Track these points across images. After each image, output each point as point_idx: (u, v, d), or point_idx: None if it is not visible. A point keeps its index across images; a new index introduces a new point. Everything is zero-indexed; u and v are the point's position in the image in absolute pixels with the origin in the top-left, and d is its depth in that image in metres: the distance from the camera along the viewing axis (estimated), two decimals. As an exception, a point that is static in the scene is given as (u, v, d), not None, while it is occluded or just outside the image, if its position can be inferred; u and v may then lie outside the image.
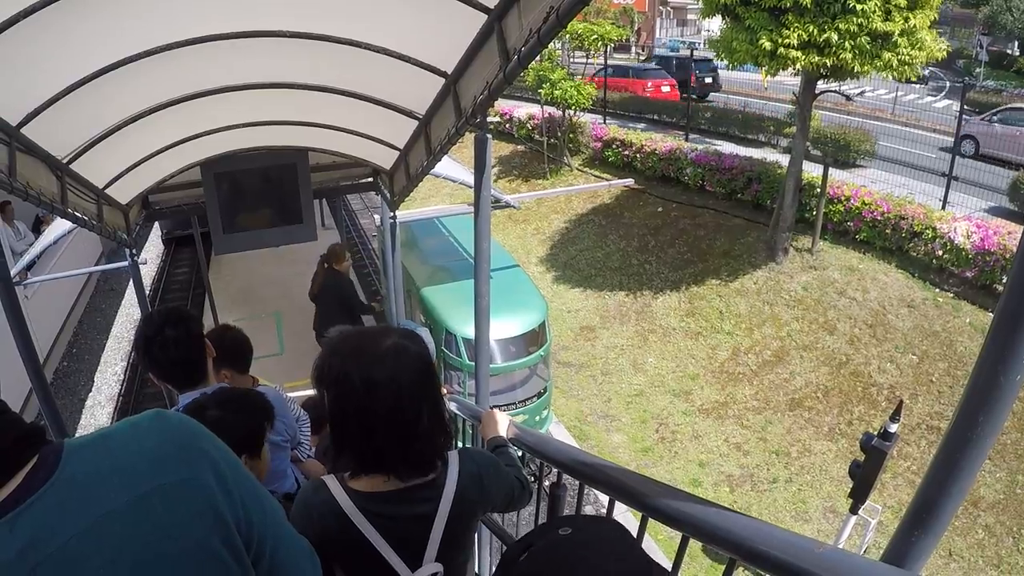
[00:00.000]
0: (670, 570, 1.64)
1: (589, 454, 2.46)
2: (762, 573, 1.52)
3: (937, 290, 12.97)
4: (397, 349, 1.86)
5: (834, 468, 11.11)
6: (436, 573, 1.94)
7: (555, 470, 2.68)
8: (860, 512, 6.86)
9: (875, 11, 11.79)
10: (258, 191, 7.69)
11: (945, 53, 13.17)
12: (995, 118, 19.46)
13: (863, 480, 6.26)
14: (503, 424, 2.74)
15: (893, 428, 6.02)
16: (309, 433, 3.92)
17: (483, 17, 3.21)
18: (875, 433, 6.10)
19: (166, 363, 2.83)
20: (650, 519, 1.88)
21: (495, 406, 10.01)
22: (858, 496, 6.46)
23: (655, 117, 24.80)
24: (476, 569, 4.25)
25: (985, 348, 1.34)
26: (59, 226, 11.59)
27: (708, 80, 28.55)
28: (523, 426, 2.87)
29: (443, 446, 1.96)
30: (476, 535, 4.11)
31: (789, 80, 22.66)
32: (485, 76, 3.38)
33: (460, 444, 4.95)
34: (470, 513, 2.05)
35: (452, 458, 2.04)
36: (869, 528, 7.82)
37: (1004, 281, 12.02)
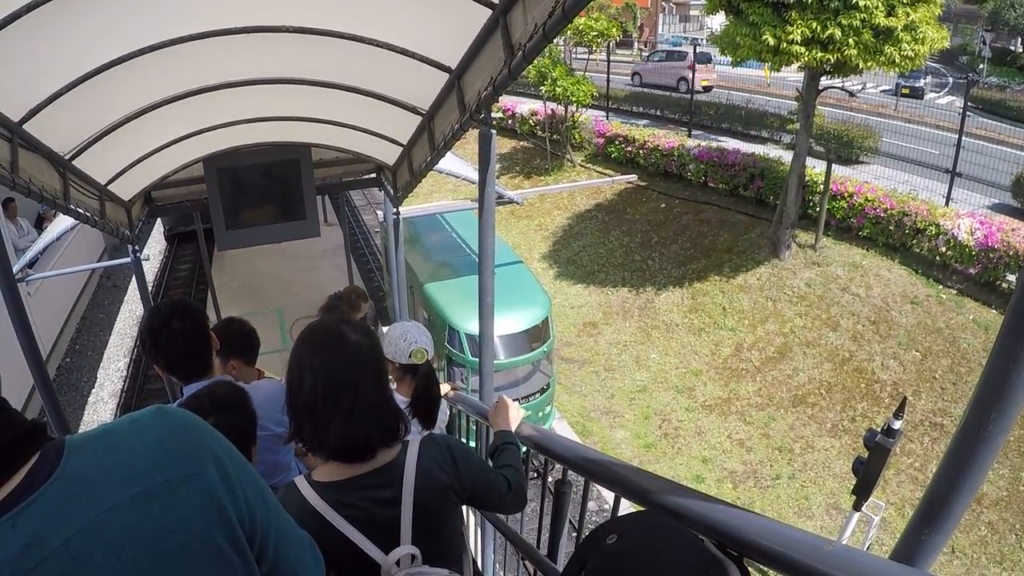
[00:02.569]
0: None
1: (595, 451, 2.45)
2: (767, 570, 1.51)
3: (940, 287, 12.95)
4: (333, 335, 1.96)
5: (837, 464, 11.10)
6: (413, 555, 1.94)
7: (559, 467, 2.67)
8: (863, 509, 6.86)
9: (878, 6, 11.76)
10: (261, 187, 7.66)
11: (946, 42, 13.11)
12: (649, 59, 31.74)
13: (866, 477, 6.24)
14: (515, 415, 2.72)
15: (897, 425, 6.01)
16: None
17: (487, 12, 3.20)
18: (879, 430, 6.10)
19: (173, 354, 2.85)
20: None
21: (498, 402, 9.97)
22: (861, 493, 6.45)
23: (658, 113, 24.77)
24: (480, 566, 4.24)
25: (997, 346, 1.33)
26: (61, 222, 11.58)
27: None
28: (528, 422, 2.86)
29: (381, 430, 1.96)
30: (478, 530, 4.11)
31: (792, 76, 22.59)
32: (489, 71, 3.37)
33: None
34: (441, 496, 2.04)
35: (412, 442, 2.06)
36: (872, 525, 7.82)
37: (1007, 278, 12.00)
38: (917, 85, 26.72)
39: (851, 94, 19.95)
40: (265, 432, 3.14)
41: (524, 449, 2.92)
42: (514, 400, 9.09)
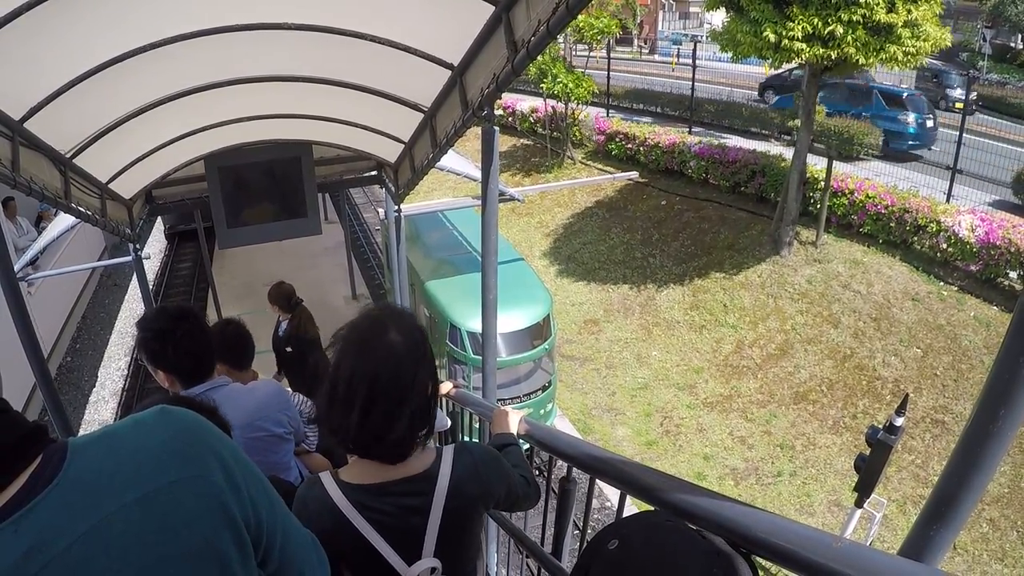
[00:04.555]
0: None
1: (600, 448, 2.45)
2: (765, 564, 1.51)
3: (941, 283, 12.94)
4: (383, 344, 1.88)
5: (838, 461, 11.10)
6: (434, 568, 1.93)
7: (564, 464, 2.66)
8: (865, 506, 6.84)
9: (879, 3, 11.74)
10: (262, 185, 7.66)
11: (948, 42, 13.09)
12: None
13: (868, 474, 6.23)
14: (514, 421, 2.71)
15: (899, 422, 5.99)
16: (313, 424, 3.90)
17: (490, 9, 3.19)
18: (881, 427, 6.08)
19: (182, 356, 2.84)
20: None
21: (499, 400, 9.98)
22: (863, 490, 6.44)
23: (659, 110, 24.72)
24: (485, 564, 4.24)
25: (1006, 343, 1.33)
26: (61, 221, 11.59)
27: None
28: (532, 420, 2.85)
29: (413, 433, 1.92)
30: (484, 532, 4.11)
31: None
32: (492, 68, 3.36)
33: (467, 439, 4.94)
34: (470, 508, 2.03)
35: (447, 451, 2.03)
36: (874, 522, 7.81)
37: (1009, 275, 12.00)
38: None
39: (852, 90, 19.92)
40: (264, 433, 3.14)
41: (527, 447, 2.91)
42: (515, 398, 9.05)
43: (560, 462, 2.70)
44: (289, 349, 8.11)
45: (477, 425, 4.16)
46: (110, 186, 6.10)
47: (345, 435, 1.88)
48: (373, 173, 8.54)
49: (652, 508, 1.80)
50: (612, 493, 9.78)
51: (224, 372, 3.50)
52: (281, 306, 8.13)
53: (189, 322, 2.83)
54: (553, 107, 21.96)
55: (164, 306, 3.00)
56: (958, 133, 15.50)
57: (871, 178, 15.34)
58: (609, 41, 24.82)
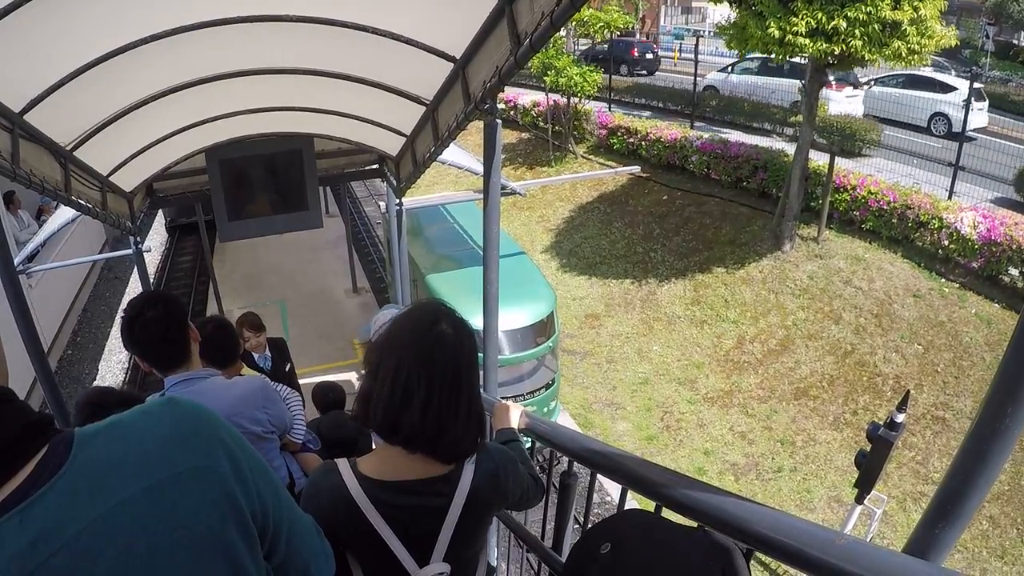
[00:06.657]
0: None
1: (601, 442, 2.43)
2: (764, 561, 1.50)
3: (943, 280, 12.92)
4: (435, 333, 1.83)
5: (839, 457, 11.10)
6: (442, 573, 1.90)
7: (565, 459, 2.65)
8: (865, 502, 6.85)
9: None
10: (263, 178, 7.66)
11: (955, 41, 13.06)
12: None
13: (869, 470, 6.24)
14: (515, 416, 2.69)
15: (900, 418, 6.00)
16: (301, 413, 3.83)
17: (493, 1, 3.18)
18: (881, 423, 6.08)
19: (146, 343, 2.77)
20: (664, 509, 1.86)
21: (503, 398, 9.99)
22: (864, 486, 6.45)
23: (661, 105, 24.67)
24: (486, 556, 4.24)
25: (1014, 338, 1.31)
26: (62, 214, 11.58)
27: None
28: (535, 415, 2.84)
29: (470, 431, 1.88)
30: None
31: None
32: (495, 61, 3.34)
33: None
34: (485, 510, 2.01)
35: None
36: (874, 518, 7.82)
37: (1010, 272, 11.99)
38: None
39: (855, 86, 19.91)
40: (240, 431, 3.07)
41: (529, 443, 2.91)
42: (518, 396, 9.00)
43: (561, 456, 2.68)
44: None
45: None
46: (111, 179, 6.09)
47: (408, 432, 1.81)
48: (375, 166, 8.54)
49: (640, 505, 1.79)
50: (612, 487, 9.78)
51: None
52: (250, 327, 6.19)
53: (155, 309, 2.75)
54: (555, 101, 21.91)
55: (142, 292, 2.94)
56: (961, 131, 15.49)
57: (873, 174, 15.32)
58: (612, 35, 24.74)
